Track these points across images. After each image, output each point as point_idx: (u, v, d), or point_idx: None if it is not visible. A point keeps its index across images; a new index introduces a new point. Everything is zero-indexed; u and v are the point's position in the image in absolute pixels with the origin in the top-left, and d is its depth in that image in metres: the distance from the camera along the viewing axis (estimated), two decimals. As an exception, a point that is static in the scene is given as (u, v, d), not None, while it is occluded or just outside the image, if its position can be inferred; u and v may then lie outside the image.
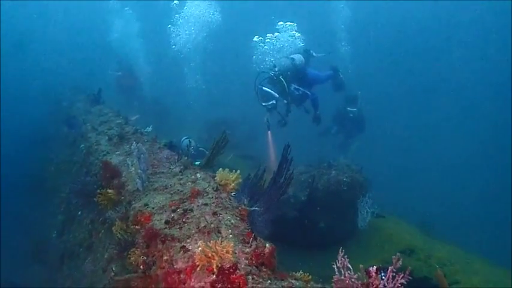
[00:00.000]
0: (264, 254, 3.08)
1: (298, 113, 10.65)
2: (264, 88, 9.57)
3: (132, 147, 4.68)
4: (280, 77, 9.64)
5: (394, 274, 2.27)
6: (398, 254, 2.39)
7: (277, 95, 9.58)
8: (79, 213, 6.79)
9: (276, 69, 9.76)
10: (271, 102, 9.59)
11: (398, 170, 19.59)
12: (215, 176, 4.51)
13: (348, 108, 13.91)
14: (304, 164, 10.19)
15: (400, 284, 2.26)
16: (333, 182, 8.98)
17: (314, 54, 11.26)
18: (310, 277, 3.12)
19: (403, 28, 32.00)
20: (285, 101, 9.84)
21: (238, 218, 3.63)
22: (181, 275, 2.98)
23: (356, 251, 8.97)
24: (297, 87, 9.89)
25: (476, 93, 28.66)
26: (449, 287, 7.89)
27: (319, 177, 9.13)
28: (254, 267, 2.93)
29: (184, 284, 2.92)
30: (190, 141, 8.65)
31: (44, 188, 10.13)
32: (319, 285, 2.86)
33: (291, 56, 10.30)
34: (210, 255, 2.81)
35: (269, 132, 10.30)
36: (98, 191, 4.92)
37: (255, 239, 3.22)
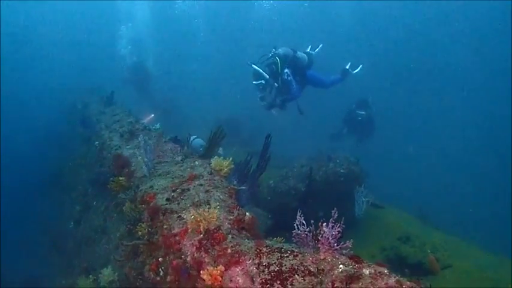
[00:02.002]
0: (245, 220, 3.84)
1: (307, 110, 11.21)
2: (254, 66, 9.85)
3: (139, 139, 5.49)
4: (276, 57, 9.94)
5: (333, 224, 2.98)
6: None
7: (267, 76, 9.80)
8: (94, 203, 7.65)
9: (275, 50, 10.11)
10: (259, 82, 9.87)
11: (400, 162, 20.15)
12: (211, 163, 5.28)
13: (357, 111, 14.58)
14: (305, 157, 10.92)
15: (337, 231, 2.97)
16: (330, 173, 9.64)
17: (312, 52, 11.51)
18: (283, 239, 3.86)
19: (404, 28, 32.52)
20: (276, 84, 10.03)
21: (227, 195, 4.39)
22: (177, 237, 3.76)
23: (355, 239, 9.63)
24: (289, 73, 9.99)
25: (478, 86, 28.93)
26: (441, 270, 8.55)
27: (318, 169, 9.80)
28: (235, 230, 3.69)
29: (179, 244, 3.70)
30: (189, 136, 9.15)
31: (61, 184, 11.05)
32: (287, 243, 3.57)
33: (296, 50, 10.65)
34: (198, 219, 3.59)
35: (273, 111, 10.74)
36: (111, 179, 5.73)
37: (238, 209, 3.97)
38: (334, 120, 16.65)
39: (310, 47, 11.69)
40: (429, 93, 29.08)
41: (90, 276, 5.41)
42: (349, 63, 12.16)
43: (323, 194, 9.65)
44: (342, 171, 9.61)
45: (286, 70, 9.98)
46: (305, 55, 10.81)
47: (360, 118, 14.60)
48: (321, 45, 11.89)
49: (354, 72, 12.09)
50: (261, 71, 9.80)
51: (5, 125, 19.83)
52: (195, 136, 9.99)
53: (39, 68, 32.01)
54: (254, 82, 9.97)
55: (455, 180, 18.81)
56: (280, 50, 10.19)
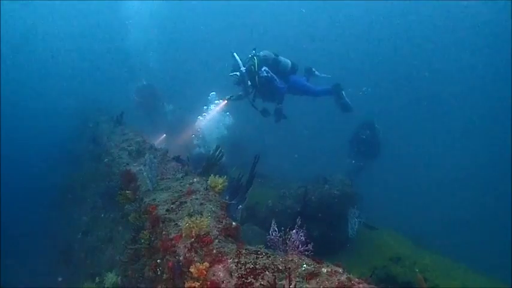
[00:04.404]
0: (231, 228, 4.59)
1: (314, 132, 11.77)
2: (235, 55, 10.07)
3: (145, 157, 6.31)
4: (255, 57, 10.06)
5: (298, 230, 3.72)
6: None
7: (244, 70, 9.94)
8: (102, 215, 8.45)
9: (254, 52, 10.24)
10: (234, 73, 10.09)
11: (399, 182, 20.69)
12: (208, 180, 6.06)
13: (362, 130, 15.30)
14: (304, 179, 11.69)
15: (301, 236, 3.71)
16: (325, 194, 10.36)
17: (317, 73, 11.58)
18: (263, 246, 4.58)
19: (401, 29, 33.24)
20: (249, 82, 10.09)
21: (218, 207, 5.15)
22: (173, 241, 4.52)
23: (348, 259, 10.24)
24: (267, 69, 10.01)
25: (474, 105, 29.40)
26: (428, 290, 9.12)
27: (313, 191, 10.52)
28: (222, 236, 4.44)
29: (174, 246, 4.46)
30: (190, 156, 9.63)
31: (71, 197, 11.88)
32: (265, 248, 4.30)
33: (279, 56, 10.66)
34: (191, 226, 4.35)
35: (225, 101, 11.05)
36: (119, 192, 6.52)
37: (226, 219, 4.73)
38: (340, 143, 17.39)
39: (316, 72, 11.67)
40: (425, 110, 29.66)
41: (96, 278, 6.14)
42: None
43: (318, 214, 10.35)
44: (335, 192, 10.31)
45: (264, 68, 10.06)
46: (288, 61, 10.71)
47: (364, 137, 15.25)
48: (330, 76, 11.89)
49: (319, 74, 11.72)
50: (241, 63, 10.02)
51: (18, 140, 20.96)
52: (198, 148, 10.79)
53: (48, 79, 33.44)
54: (230, 74, 10.20)
55: (453, 201, 19.27)
56: (261, 52, 10.36)
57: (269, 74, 9.99)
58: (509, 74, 27.94)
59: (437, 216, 17.30)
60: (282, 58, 10.59)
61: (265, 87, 10.16)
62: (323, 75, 11.81)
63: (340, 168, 16.08)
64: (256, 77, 9.98)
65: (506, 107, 27.70)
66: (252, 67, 9.99)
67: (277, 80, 10.20)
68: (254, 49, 10.36)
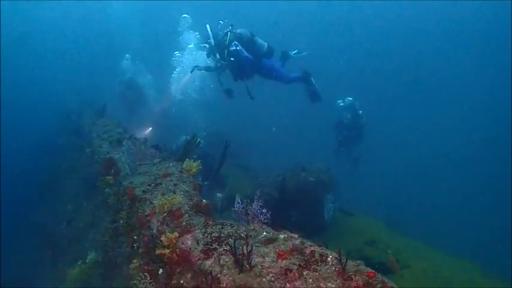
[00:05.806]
0: (201, 205, 5.05)
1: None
2: (207, 26, 9.93)
3: (124, 143, 6.73)
4: (229, 32, 9.94)
5: (257, 201, 4.19)
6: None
7: (213, 42, 9.84)
8: (84, 203, 8.85)
9: (231, 28, 10.07)
10: (203, 45, 10.12)
11: (380, 171, 21.35)
12: (183, 164, 6.51)
13: (343, 115, 15.78)
14: (282, 167, 12.17)
15: (259, 205, 4.18)
16: (302, 181, 10.85)
17: (292, 54, 11.20)
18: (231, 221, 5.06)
19: (401, 28, 33.82)
20: (218, 55, 9.96)
21: (191, 188, 5.61)
22: (148, 217, 4.97)
23: (324, 243, 10.77)
24: (237, 44, 9.81)
25: (469, 95, 30.07)
26: (400, 270, 9.70)
27: (291, 178, 11.01)
28: (192, 211, 4.90)
29: (148, 222, 4.91)
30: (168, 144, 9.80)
31: (55, 188, 12.23)
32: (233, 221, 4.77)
33: (256, 36, 10.41)
34: (164, 203, 4.80)
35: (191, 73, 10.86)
36: (100, 178, 6.94)
37: (197, 197, 5.20)
38: (324, 132, 17.85)
39: (296, 51, 11.39)
40: (422, 97, 30.26)
41: (79, 262, 6.57)
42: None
43: (295, 200, 10.85)
44: (311, 179, 10.81)
45: (234, 42, 9.83)
46: (265, 43, 10.47)
47: (345, 121, 15.75)
48: (305, 53, 11.49)
49: (293, 53, 11.33)
50: (211, 34, 9.93)
51: (4, 131, 21.13)
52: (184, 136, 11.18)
53: (36, 73, 33.53)
54: (201, 44, 10.31)
55: (432, 189, 19.96)
56: (238, 30, 10.22)
57: (238, 47, 9.78)
58: (509, 73, 28.55)
59: (415, 204, 17.96)
60: (258, 39, 10.38)
61: (234, 61, 9.94)
62: (302, 53, 11.42)
63: (325, 156, 16.63)
64: (226, 50, 9.86)
65: (504, 95, 28.37)
66: (224, 41, 9.93)
67: (245, 52, 9.93)
68: (231, 25, 10.26)
